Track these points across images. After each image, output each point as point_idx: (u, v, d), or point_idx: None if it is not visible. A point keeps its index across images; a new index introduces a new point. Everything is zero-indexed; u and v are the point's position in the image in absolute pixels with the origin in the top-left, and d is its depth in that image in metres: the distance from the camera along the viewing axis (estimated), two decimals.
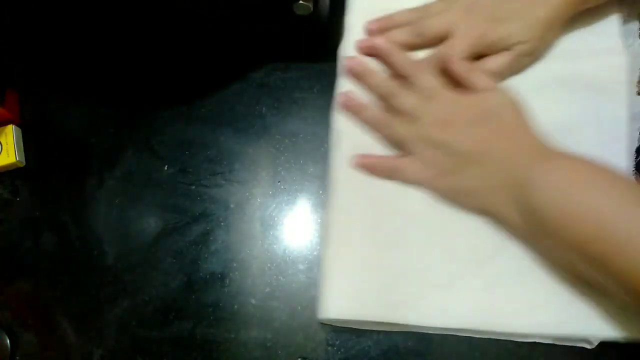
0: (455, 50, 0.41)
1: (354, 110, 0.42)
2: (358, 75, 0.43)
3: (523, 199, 0.36)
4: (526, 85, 0.42)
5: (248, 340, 0.40)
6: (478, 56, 0.42)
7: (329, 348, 0.40)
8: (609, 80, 0.43)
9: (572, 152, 0.37)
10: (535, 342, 0.39)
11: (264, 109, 0.46)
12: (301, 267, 0.42)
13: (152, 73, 0.48)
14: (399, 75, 0.42)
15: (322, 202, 0.43)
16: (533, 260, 0.39)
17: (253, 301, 0.41)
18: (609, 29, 0.44)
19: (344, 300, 0.39)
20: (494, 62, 0.42)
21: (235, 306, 0.41)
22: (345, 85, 0.43)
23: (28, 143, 0.46)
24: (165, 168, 0.45)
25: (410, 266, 0.39)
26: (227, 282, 0.41)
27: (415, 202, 0.41)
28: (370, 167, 0.41)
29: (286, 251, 0.42)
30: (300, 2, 0.41)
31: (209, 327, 0.40)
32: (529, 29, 0.41)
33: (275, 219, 0.43)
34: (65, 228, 0.44)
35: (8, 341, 0.41)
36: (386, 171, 0.41)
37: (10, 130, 0.45)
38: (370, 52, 0.43)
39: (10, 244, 0.44)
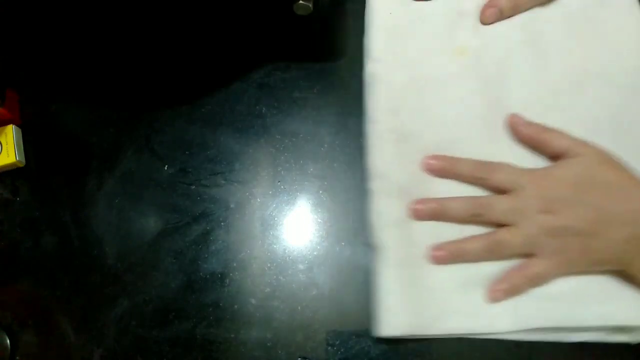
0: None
1: (456, 257, 0.39)
2: (434, 213, 0.40)
3: None
4: (565, 84, 0.43)
5: (248, 340, 0.40)
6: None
7: (329, 348, 0.40)
8: None
9: None
10: (535, 342, 0.39)
11: (264, 109, 0.46)
12: (301, 267, 0.42)
13: (152, 73, 0.48)
14: (471, 180, 0.40)
15: (322, 202, 0.43)
16: None
17: (253, 301, 0.41)
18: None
19: (405, 316, 0.38)
20: None
21: (235, 306, 0.41)
22: (383, 86, 0.43)
23: (28, 143, 0.46)
24: (165, 168, 0.45)
25: (464, 275, 0.39)
26: (227, 282, 0.41)
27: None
28: (513, 290, 0.38)
29: (286, 251, 0.42)
30: (300, 2, 0.41)
31: (209, 327, 0.40)
32: None
33: (275, 219, 0.43)
34: (65, 228, 0.44)
35: (8, 341, 0.41)
36: (525, 286, 0.38)
37: (10, 130, 0.45)
38: (431, 173, 0.41)
39: (10, 244, 0.44)
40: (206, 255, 0.42)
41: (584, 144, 0.39)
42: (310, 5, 0.41)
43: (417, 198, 0.41)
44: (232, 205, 0.43)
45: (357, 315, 0.40)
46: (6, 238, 0.44)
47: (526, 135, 0.41)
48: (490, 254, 0.39)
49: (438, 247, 0.39)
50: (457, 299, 0.39)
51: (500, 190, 0.39)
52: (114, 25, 0.49)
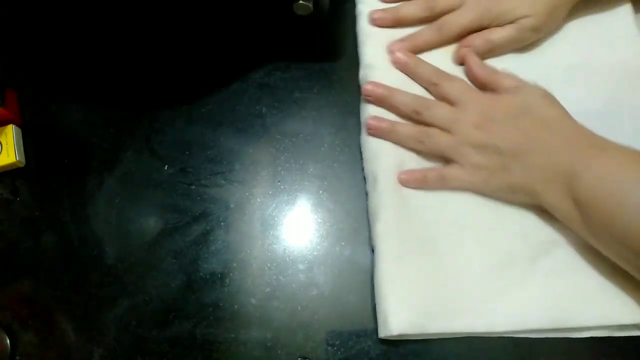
0: (463, 19, 0.43)
1: (387, 131, 0.42)
2: (382, 98, 0.43)
3: (577, 190, 0.36)
4: (554, 76, 0.43)
5: (248, 340, 0.40)
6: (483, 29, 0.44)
7: (329, 348, 0.40)
8: (637, 69, 0.44)
9: (621, 143, 0.37)
10: (535, 342, 0.39)
11: (264, 109, 0.46)
12: (301, 267, 0.42)
13: (152, 73, 0.48)
14: (425, 84, 0.43)
15: (322, 202, 0.43)
16: (586, 251, 0.39)
17: (253, 301, 0.41)
18: (623, 18, 0.45)
19: (406, 315, 0.38)
20: (498, 34, 0.43)
21: (235, 306, 0.41)
22: (368, 109, 0.44)
23: (28, 143, 0.46)
24: (165, 168, 0.45)
25: (465, 273, 0.39)
26: (227, 282, 0.41)
27: (460, 206, 0.41)
28: (419, 182, 0.41)
29: (286, 251, 0.42)
30: (300, 2, 0.41)
31: (209, 327, 0.40)
32: (534, 4, 0.42)
33: (275, 219, 0.43)
34: (65, 228, 0.44)
35: (8, 341, 0.41)
36: (435, 183, 0.41)
37: (10, 130, 0.45)
38: (395, 66, 0.44)
39: (10, 244, 0.44)
40: (206, 255, 0.42)
41: (533, 84, 0.41)
42: (310, 5, 0.41)
43: (409, 200, 0.41)
44: (232, 205, 0.43)
45: (357, 315, 0.40)
46: (6, 238, 0.44)
47: (479, 75, 0.42)
48: (418, 142, 0.41)
49: (375, 118, 0.42)
50: (457, 299, 0.39)
51: (447, 100, 0.42)
52: (114, 25, 0.49)
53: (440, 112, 0.41)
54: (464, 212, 0.41)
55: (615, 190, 0.34)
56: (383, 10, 0.45)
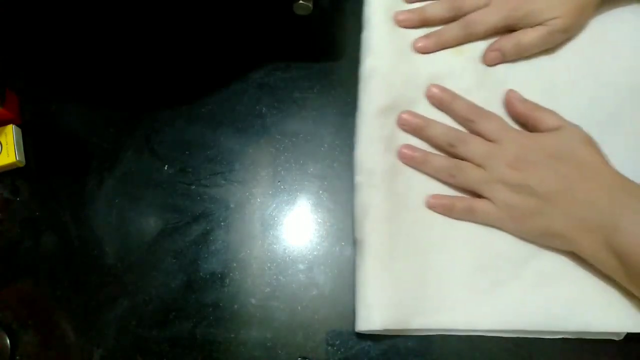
0: (490, 17, 0.42)
1: (419, 162, 0.41)
2: (418, 128, 0.42)
3: (617, 241, 0.35)
4: (559, 83, 0.43)
5: (248, 340, 0.40)
6: (512, 30, 0.43)
7: (329, 348, 0.40)
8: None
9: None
10: (535, 342, 0.39)
11: (264, 109, 0.46)
12: (301, 267, 0.42)
13: (152, 73, 0.48)
14: (461, 120, 0.42)
15: (322, 202, 0.43)
16: (574, 258, 0.39)
17: (253, 301, 0.41)
18: (632, 26, 0.45)
19: (387, 310, 0.38)
20: (528, 36, 0.42)
21: (235, 306, 0.41)
22: (378, 84, 0.43)
23: (28, 143, 0.46)
24: (165, 168, 0.45)
25: (451, 272, 0.40)
26: (227, 282, 0.41)
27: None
28: (446, 209, 0.40)
29: (286, 251, 0.42)
30: (300, 2, 0.41)
31: (209, 327, 0.40)
32: (563, 4, 0.41)
33: (275, 219, 0.43)
34: (65, 228, 0.44)
35: (8, 341, 0.41)
36: (462, 214, 0.40)
37: (10, 130, 0.45)
38: (430, 101, 0.43)
39: (10, 244, 0.44)
40: (206, 255, 0.42)
41: (575, 125, 0.40)
42: (310, 5, 0.41)
43: (402, 194, 0.41)
44: (232, 205, 0.43)
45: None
46: (6, 238, 0.44)
47: (521, 111, 0.41)
48: (449, 176, 0.41)
49: (407, 146, 0.42)
50: (437, 295, 0.39)
51: (484, 137, 0.41)
52: (114, 25, 0.49)
53: (475, 147, 0.40)
54: None
55: None
56: (409, 11, 0.45)
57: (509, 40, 0.43)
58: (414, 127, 0.42)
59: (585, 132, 0.39)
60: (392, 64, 0.44)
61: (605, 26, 0.45)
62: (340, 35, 0.46)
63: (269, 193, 0.44)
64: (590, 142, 0.39)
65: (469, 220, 0.40)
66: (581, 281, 0.39)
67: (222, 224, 0.43)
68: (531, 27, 0.42)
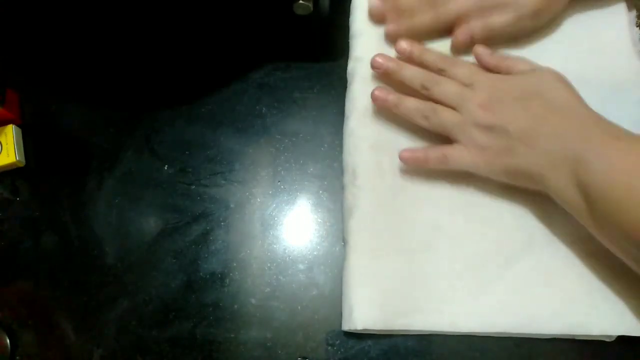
0: (461, 2, 0.42)
1: (393, 104, 0.41)
2: (391, 70, 0.42)
3: (585, 176, 0.34)
4: None
5: (248, 340, 0.40)
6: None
7: (329, 348, 0.40)
8: (626, 79, 0.43)
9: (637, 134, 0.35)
10: (535, 342, 0.39)
11: (264, 109, 0.46)
12: (301, 267, 0.42)
13: (152, 73, 0.48)
14: (433, 71, 0.42)
15: (322, 202, 0.43)
16: (559, 260, 0.39)
17: (253, 301, 0.41)
18: (616, 26, 0.45)
19: (371, 310, 0.38)
20: (496, 19, 0.42)
21: (235, 306, 0.41)
22: (361, 84, 0.43)
23: (28, 143, 0.46)
24: (165, 168, 0.45)
25: (436, 273, 0.40)
26: (227, 282, 0.41)
27: (437, 207, 0.41)
28: (421, 160, 0.41)
29: (286, 251, 0.42)
30: (300, 2, 0.41)
31: (209, 327, 0.40)
32: None
33: (275, 219, 0.43)
34: (65, 228, 0.44)
35: (8, 341, 0.41)
36: (436, 162, 0.40)
37: (10, 130, 0.45)
38: (400, 57, 0.43)
39: (10, 244, 0.44)
40: (206, 255, 0.42)
41: (546, 66, 0.40)
42: (310, 5, 0.41)
43: (386, 194, 0.41)
44: (232, 205, 0.43)
45: None
46: (6, 238, 0.44)
47: (492, 63, 0.42)
48: (423, 117, 0.40)
49: (380, 89, 0.42)
50: (421, 296, 0.39)
51: (458, 77, 0.41)
52: (114, 25, 0.49)
53: (448, 88, 0.40)
54: (440, 214, 0.41)
55: (625, 179, 0.33)
56: (383, 1, 0.45)
57: (478, 22, 0.43)
58: (387, 69, 0.42)
59: (558, 72, 0.39)
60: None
61: (583, 24, 0.45)
62: (340, 35, 0.46)
63: (269, 193, 0.44)
64: (562, 80, 0.39)
65: (444, 168, 0.40)
66: (568, 283, 0.39)
67: (222, 224, 0.43)
68: (501, 11, 0.42)
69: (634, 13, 0.45)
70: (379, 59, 0.42)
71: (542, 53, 0.44)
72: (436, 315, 0.39)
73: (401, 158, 0.41)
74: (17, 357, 0.41)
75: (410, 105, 0.41)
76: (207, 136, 0.45)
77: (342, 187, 0.43)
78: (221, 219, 0.43)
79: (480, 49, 0.42)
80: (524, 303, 0.39)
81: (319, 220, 0.43)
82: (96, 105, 0.47)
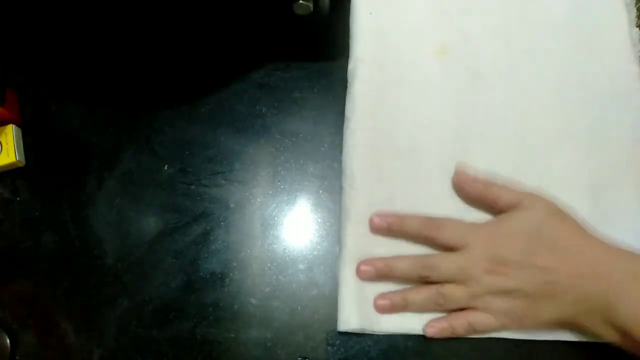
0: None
1: (401, 306, 0.39)
2: (383, 274, 0.39)
3: (617, 319, 0.34)
4: (545, 87, 0.43)
5: (248, 340, 0.40)
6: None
7: (329, 348, 0.40)
8: (625, 84, 0.43)
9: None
10: (535, 342, 0.39)
11: (264, 108, 0.46)
12: (301, 266, 0.42)
13: (152, 73, 0.48)
14: (419, 239, 0.40)
15: (322, 202, 0.43)
16: None
17: (253, 301, 0.41)
18: (616, 31, 0.45)
19: (366, 312, 0.39)
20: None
21: (235, 306, 0.41)
22: (362, 85, 0.43)
23: (28, 143, 0.46)
24: (165, 168, 0.45)
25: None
26: (227, 282, 0.41)
27: (432, 208, 0.41)
28: (448, 332, 0.38)
29: (286, 251, 0.42)
30: (300, 2, 0.41)
31: (209, 327, 0.40)
32: None
33: (275, 218, 0.43)
34: (65, 228, 0.44)
35: (8, 341, 0.41)
36: (464, 331, 0.38)
37: (10, 130, 0.45)
38: (378, 233, 0.40)
39: (10, 244, 0.44)
40: (206, 255, 0.42)
41: (533, 195, 0.39)
42: (310, 5, 0.41)
43: (383, 198, 0.41)
44: (232, 205, 0.43)
45: None
46: (6, 238, 0.44)
47: (474, 194, 0.40)
48: (436, 305, 0.38)
49: (383, 296, 0.39)
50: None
51: (449, 248, 0.39)
52: (114, 25, 0.49)
53: (446, 267, 0.38)
54: (434, 214, 0.41)
55: None
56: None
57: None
58: (378, 273, 0.39)
59: (546, 201, 0.38)
60: (374, 67, 0.44)
61: (582, 25, 0.45)
62: (340, 35, 0.46)
63: (269, 193, 0.44)
64: (555, 213, 0.38)
65: (474, 335, 0.39)
66: None
67: (222, 224, 0.43)
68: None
69: (634, 13, 0.45)
70: (365, 268, 0.39)
71: (542, 55, 0.44)
72: (423, 318, 0.39)
73: (428, 334, 0.38)
74: (17, 357, 0.41)
75: (420, 298, 0.39)
76: (207, 136, 0.45)
77: (341, 189, 0.43)
78: (221, 219, 0.43)
79: (460, 177, 0.40)
80: None
81: (319, 220, 0.43)
82: (96, 105, 0.47)
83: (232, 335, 0.40)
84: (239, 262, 0.42)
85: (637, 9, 0.44)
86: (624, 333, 0.34)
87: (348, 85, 0.44)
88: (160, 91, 0.47)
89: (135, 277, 0.42)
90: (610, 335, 0.36)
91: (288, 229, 0.43)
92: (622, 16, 0.45)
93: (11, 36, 0.49)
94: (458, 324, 0.38)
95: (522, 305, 0.37)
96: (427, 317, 0.39)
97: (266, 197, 0.43)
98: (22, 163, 0.45)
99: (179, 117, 0.46)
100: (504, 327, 0.38)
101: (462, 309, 0.38)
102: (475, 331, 0.38)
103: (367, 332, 0.39)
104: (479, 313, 0.38)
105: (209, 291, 0.41)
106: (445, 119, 0.43)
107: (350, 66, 0.45)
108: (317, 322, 0.40)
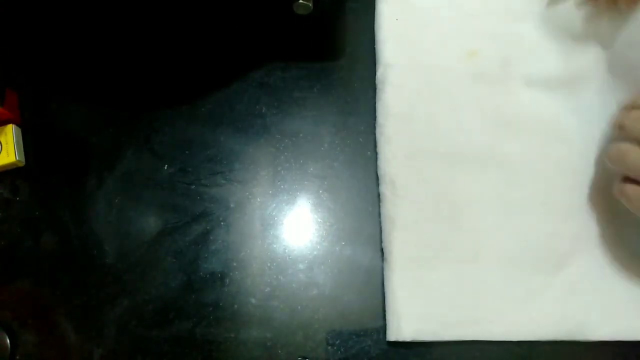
0: None
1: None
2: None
3: None
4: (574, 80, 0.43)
5: (248, 340, 0.40)
6: None
7: (329, 348, 0.40)
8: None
9: None
10: (535, 342, 0.39)
11: (264, 108, 0.46)
12: (301, 266, 0.42)
13: (152, 73, 0.48)
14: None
15: (322, 202, 0.43)
16: (609, 264, 0.39)
17: (253, 301, 0.41)
18: None
19: (419, 320, 0.38)
20: None
21: (235, 306, 0.41)
22: (394, 91, 0.43)
23: (28, 143, 0.46)
24: (165, 168, 0.45)
25: (484, 281, 0.39)
26: (227, 281, 0.41)
27: (482, 214, 0.41)
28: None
29: (286, 251, 0.42)
30: (300, 1, 0.41)
31: (209, 326, 0.40)
32: None
33: (275, 218, 0.43)
34: (65, 228, 0.44)
35: (8, 341, 0.41)
36: None
37: (10, 130, 0.45)
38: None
39: (10, 244, 0.44)
40: (206, 255, 0.42)
41: None
42: (310, 4, 0.41)
43: (427, 204, 0.41)
44: (232, 205, 0.43)
45: (357, 315, 0.40)
46: (6, 238, 0.44)
47: None
48: None
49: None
50: (470, 305, 0.39)
51: None
52: (114, 25, 0.49)
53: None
54: (485, 221, 0.41)
55: None
56: None
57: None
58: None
59: None
60: (404, 72, 0.44)
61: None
62: (340, 35, 0.46)
63: (269, 193, 0.44)
64: None
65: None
66: (616, 287, 0.39)
67: (222, 223, 0.43)
68: None
69: None
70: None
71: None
72: (487, 324, 0.38)
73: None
74: (17, 357, 0.41)
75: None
76: (207, 136, 0.45)
77: (343, 187, 0.43)
78: (221, 219, 0.43)
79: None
80: (573, 309, 0.39)
81: (319, 220, 0.43)
82: (96, 105, 0.47)
83: (232, 335, 0.40)
84: (239, 262, 0.42)
85: None
86: None
87: (378, 91, 0.44)
88: (160, 91, 0.47)
89: (135, 277, 0.42)
90: None
91: (288, 229, 0.43)
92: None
93: (11, 36, 0.49)
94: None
95: None
96: (483, 325, 0.39)
97: (266, 197, 0.43)
98: (22, 163, 0.45)
99: (179, 117, 0.46)
100: None
101: None
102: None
103: (419, 341, 0.39)
104: None
105: (208, 291, 0.41)
106: (480, 120, 0.43)
107: (380, 72, 0.44)
108: (317, 322, 0.40)
